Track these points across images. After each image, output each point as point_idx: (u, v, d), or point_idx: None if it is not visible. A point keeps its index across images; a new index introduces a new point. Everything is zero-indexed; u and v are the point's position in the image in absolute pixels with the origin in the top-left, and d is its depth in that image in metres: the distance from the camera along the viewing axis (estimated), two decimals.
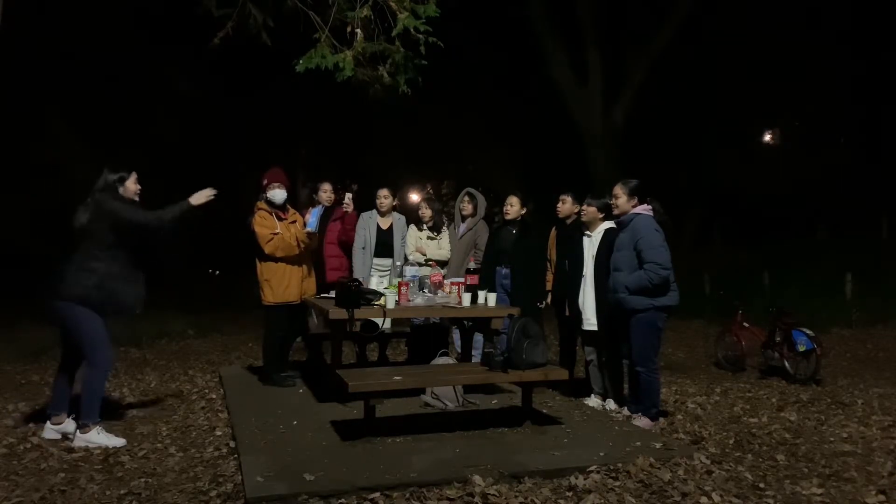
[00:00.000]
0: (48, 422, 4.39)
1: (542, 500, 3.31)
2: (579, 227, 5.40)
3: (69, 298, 4.10)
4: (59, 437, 4.32)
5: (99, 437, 4.21)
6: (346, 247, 6.11)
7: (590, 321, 5.10)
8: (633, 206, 4.72)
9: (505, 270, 5.74)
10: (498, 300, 5.34)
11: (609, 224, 5.07)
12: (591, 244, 5.15)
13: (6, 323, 9.50)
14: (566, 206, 5.62)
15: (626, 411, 4.99)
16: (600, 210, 5.09)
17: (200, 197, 4.37)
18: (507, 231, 5.78)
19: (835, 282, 11.58)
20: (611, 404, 5.15)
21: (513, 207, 5.73)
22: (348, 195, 5.97)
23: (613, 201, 4.80)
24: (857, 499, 3.47)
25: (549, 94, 14.83)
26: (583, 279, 5.15)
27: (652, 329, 4.65)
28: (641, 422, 4.67)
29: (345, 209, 5.95)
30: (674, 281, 4.65)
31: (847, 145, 18.75)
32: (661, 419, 4.83)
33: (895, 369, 7.28)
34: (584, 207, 5.18)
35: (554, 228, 5.82)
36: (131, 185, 4.38)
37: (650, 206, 4.75)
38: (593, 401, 5.26)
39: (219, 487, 3.54)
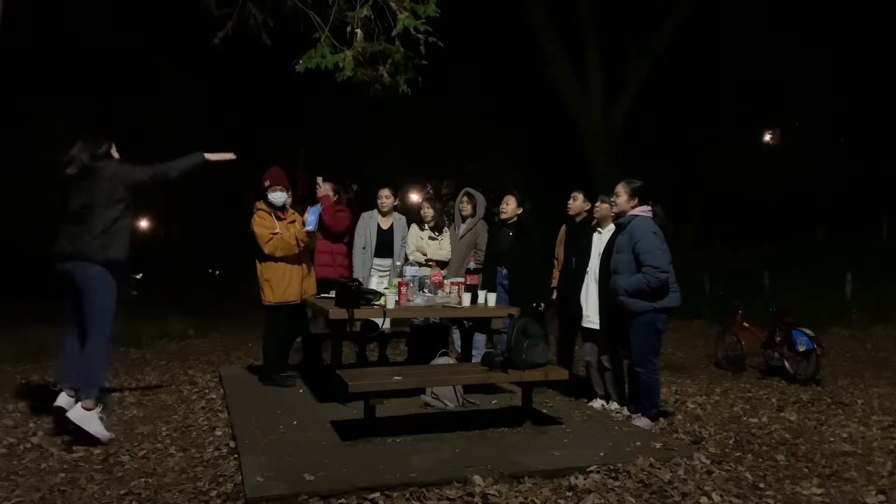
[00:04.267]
0: (63, 392, 4.34)
1: (542, 500, 3.31)
2: (588, 225, 5.40)
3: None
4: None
5: (95, 424, 4.17)
6: (332, 236, 6.06)
7: (590, 319, 5.09)
8: (633, 207, 4.70)
9: (504, 271, 5.73)
10: (497, 300, 5.34)
11: None
12: (600, 241, 5.11)
13: (6, 323, 9.50)
14: (577, 203, 5.58)
15: (625, 411, 4.99)
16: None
17: (218, 156, 4.69)
18: (504, 232, 5.77)
19: (835, 282, 11.58)
20: (613, 406, 5.14)
21: (508, 206, 5.70)
22: (319, 178, 5.94)
23: (614, 199, 4.78)
24: (857, 499, 3.47)
25: (549, 94, 14.84)
26: (587, 276, 5.12)
27: (652, 331, 4.62)
28: (641, 422, 4.66)
29: (318, 193, 5.94)
30: (674, 282, 4.63)
31: (847, 145, 18.76)
32: (662, 419, 4.82)
33: (895, 369, 7.28)
34: (598, 204, 5.17)
35: (564, 226, 5.77)
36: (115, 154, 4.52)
37: (650, 208, 4.73)
38: (597, 403, 5.24)
39: (219, 487, 3.54)
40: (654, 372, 4.69)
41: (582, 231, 5.45)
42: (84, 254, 4.20)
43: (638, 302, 4.56)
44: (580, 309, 5.17)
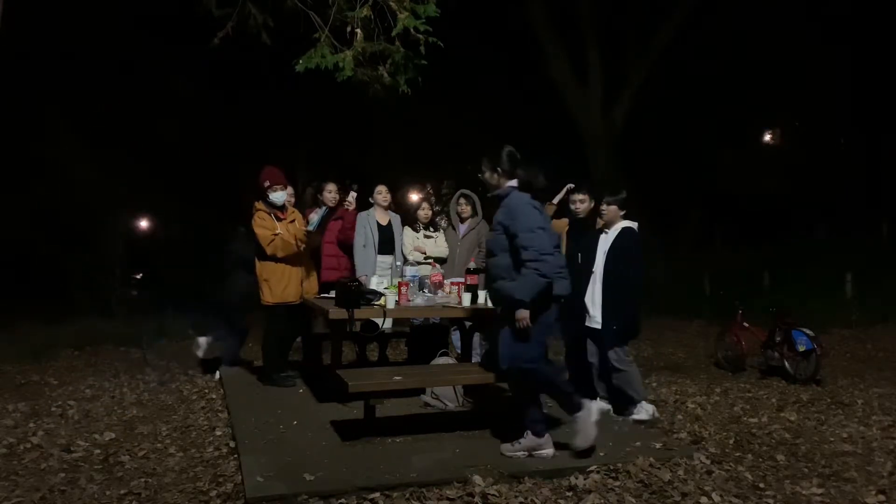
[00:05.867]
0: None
1: (542, 500, 3.31)
2: (592, 224, 5.38)
3: None
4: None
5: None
6: (345, 246, 6.10)
7: (596, 319, 4.97)
8: (506, 182, 4.01)
9: None
10: None
11: (627, 223, 4.95)
12: (606, 241, 5.00)
13: (6, 323, 9.50)
14: (585, 205, 5.50)
15: (640, 413, 4.89)
16: (621, 207, 4.98)
17: None
18: None
19: (835, 282, 11.57)
20: (641, 408, 4.91)
21: None
22: (353, 194, 5.96)
23: (486, 178, 4.10)
24: (857, 499, 3.47)
25: (549, 94, 14.83)
26: (592, 276, 5.02)
27: (537, 324, 3.84)
28: (523, 443, 3.88)
29: (346, 206, 5.95)
30: (563, 267, 3.98)
31: (847, 145, 18.76)
32: (588, 444, 3.91)
33: (895, 369, 7.27)
34: (604, 206, 5.01)
35: (565, 219, 5.62)
36: None
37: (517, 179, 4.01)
38: (599, 404, 5.17)
39: (219, 487, 3.54)
40: (536, 370, 3.86)
41: (585, 229, 5.42)
42: None
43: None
44: (583, 308, 5.13)
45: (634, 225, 4.99)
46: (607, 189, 5.17)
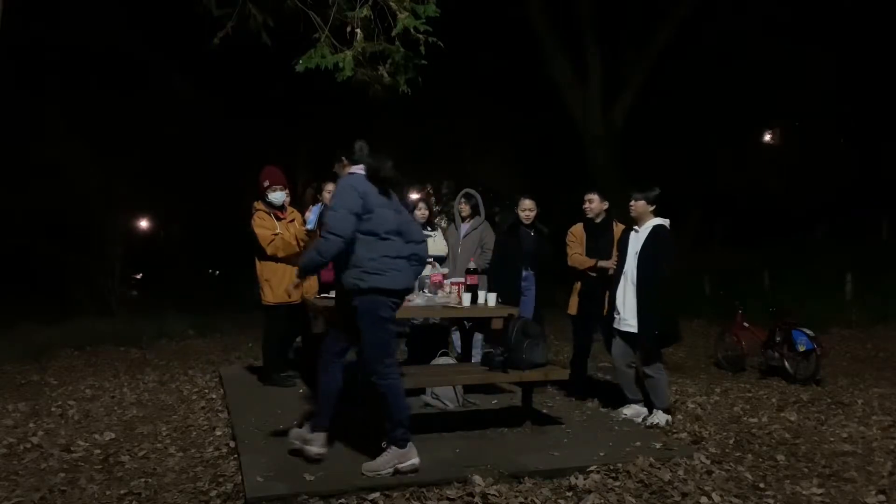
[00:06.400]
0: None
1: (542, 500, 3.31)
2: (608, 225, 5.38)
3: None
4: None
5: None
6: None
7: (627, 322, 4.82)
8: (349, 170, 3.90)
9: (526, 273, 5.69)
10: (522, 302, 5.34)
11: (659, 220, 4.83)
12: (637, 240, 4.86)
13: (6, 323, 9.50)
14: (594, 204, 5.46)
15: (654, 419, 4.83)
16: (650, 203, 4.83)
17: None
18: (526, 232, 5.71)
19: (835, 282, 11.58)
20: (659, 416, 4.81)
21: (534, 212, 5.65)
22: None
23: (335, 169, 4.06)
24: (857, 499, 3.47)
25: (549, 94, 14.84)
26: (623, 276, 4.89)
27: (375, 319, 3.59)
28: (386, 456, 3.60)
29: None
30: (395, 257, 3.63)
31: (847, 145, 18.76)
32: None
33: (895, 369, 7.28)
34: (632, 202, 4.89)
35: (580, 225, 5.61)
36: None
37: (363, 166, 3.87)
38: (632, 409, 4.97)
39: (219, 487, 3.55)
40: (392, 376, 3.61)
41: (604, 232, 5.40)
42: None
43: (347, 279, 3.62)
44: (601, 309, 5.09)
45: (666, 222, 4.85)
46: (636, 185, 4.97)
